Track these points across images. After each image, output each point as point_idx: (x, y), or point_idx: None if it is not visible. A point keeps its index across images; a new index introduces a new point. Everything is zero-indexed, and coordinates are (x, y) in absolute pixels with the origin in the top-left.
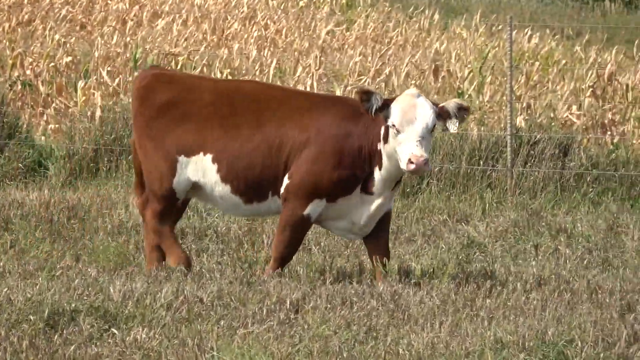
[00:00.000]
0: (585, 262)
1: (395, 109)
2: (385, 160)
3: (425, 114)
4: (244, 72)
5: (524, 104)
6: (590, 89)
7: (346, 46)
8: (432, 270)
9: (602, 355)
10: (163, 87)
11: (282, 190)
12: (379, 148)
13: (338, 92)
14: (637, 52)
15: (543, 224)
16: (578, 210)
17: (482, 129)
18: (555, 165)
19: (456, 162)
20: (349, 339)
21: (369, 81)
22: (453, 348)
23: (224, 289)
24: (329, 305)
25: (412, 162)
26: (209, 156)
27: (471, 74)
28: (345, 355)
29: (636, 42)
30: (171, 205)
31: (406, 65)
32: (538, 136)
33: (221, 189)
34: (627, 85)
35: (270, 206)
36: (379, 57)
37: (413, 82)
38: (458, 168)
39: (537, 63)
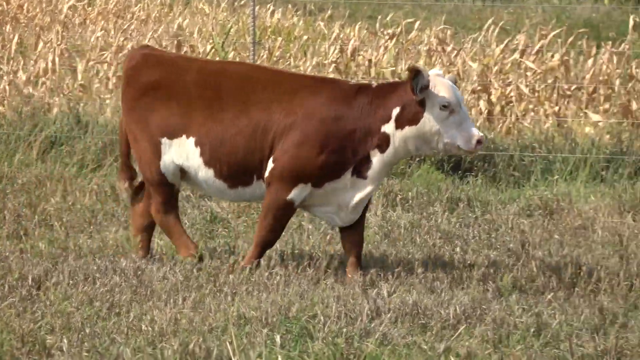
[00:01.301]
0: (328, 237)
1: (444, 90)
2: (396, 143)
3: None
4: None
5: None
6: (334, 64)
7: (88, 21)
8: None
9: (344, 330)
10: (149, 67)
11: (266, 174)
12: (383, 130)
13: (80, 67)
14: (379, 27)
15: None
16: None
17: None
18: None
19: None
20: (91, 315)
21: (111, 56)
22: (196, 324)
23: None
24: (71, 282)
25: (480, 142)
26: (192, 139)
27: (213, 49)
28: (87, 331)
29: (378, 17)
30: (170, 193)
31: (148, 41)
32: None
33: (205, 174)
34: (370, 61)
35: (255, 191)
36: (121, 32)
37: None
38: None
39: (279, 39)
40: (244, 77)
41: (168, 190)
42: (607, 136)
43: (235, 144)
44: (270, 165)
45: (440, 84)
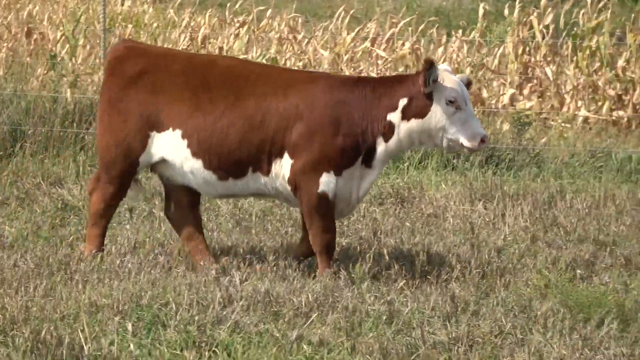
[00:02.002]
0: None
1: (452, 85)
2: (400, 134)
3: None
4: None
5: None
6: None
7: None
8: (26, 233)
9: (197, 318)
10: (135, 59)
11: (287, 175)
12: (388, 119)
13: None
14: (229, 15)
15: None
16: None
17: (76, 92)
18: None
19: (49, 125)
20: None
21: None
22: (48, 311)
23: None
24: None
25: (483, 141)
26: (179, 131)
27: (64, 37)
28: None
29: (228, 5)
30: (123, 186)
31: None
32: None
33: (192, 165)
34: (221, 49)
35: (248, 184)
36: None
37: (5, 44)
38: (51, 131)
39: (130, 26)
40: (234, 69)
41: (125, 182)
42: None
43: (227, 135)
44: (288, 163)
45: (447, 79)
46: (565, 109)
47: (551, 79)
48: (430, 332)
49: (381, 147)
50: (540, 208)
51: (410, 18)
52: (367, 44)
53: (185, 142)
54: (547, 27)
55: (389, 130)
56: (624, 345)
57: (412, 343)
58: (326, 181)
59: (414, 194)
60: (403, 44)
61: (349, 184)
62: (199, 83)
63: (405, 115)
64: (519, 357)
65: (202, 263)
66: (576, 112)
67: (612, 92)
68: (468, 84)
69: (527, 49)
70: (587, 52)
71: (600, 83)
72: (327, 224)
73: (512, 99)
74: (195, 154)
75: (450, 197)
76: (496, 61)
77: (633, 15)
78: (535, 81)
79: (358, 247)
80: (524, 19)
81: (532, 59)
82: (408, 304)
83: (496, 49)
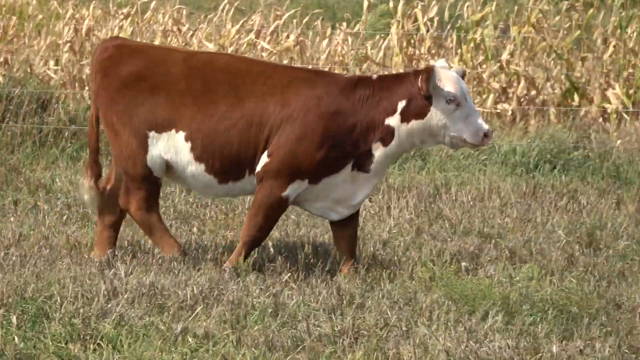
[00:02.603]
0: (64, 217)
1: (449, 83)
2: (401, 137)
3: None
4: None
5: (1, 59)
6: (68, 44)
7: None
8: None
9: (81, 310)
10: (127, 59)
11: (258, 168)
12: (387, 123)
13: None
14: (113, 7)
15: (22, 179)
16: (57, 165)
17: None
18: (34, 121)
19: None
20: None
21: None
22: None
23: None
24: None
25: (487, 136)
26: (182, 134)
27: None
28: None
29: None
30: (153, 189)
31: None
32: (16, 91)
33: (194, 169)
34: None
35: (245, 186)
36: None
37: None
38: None
39: (14, 17)
40: (234, 69)
41: (152, 185)
42: None
43: (229, 137)
44: (264, 160)
45: (445, 77)
46: None
47: None
48: (315, 324)
49: (379, 151)
50: (425, 200)
51: (295, 10)
52: (252, 36)
53: (189, 144)
54: (431, 19)
55: (387, 135)
56: (508, 337)
57: (297, 336)
58: (295, 188)
59: None
60: (288, 36)
61: (332, 189)
62: (200, 83)
63: (405, 118)
64: (404, 349)
65: (88, 256)
66: None
67: (496, 85)
68: (462, 76)
69: (412, 41)
70: (472, 44)
71: (484, 76)
72: (267, 224)
73: None
74: (198, 158)
75: None
76: (381, 54)
77: (517, 7)
78: None
79: None
80: (409, 12)
81: (417, 52)
82: (294, 297)
83: (381, 42)
